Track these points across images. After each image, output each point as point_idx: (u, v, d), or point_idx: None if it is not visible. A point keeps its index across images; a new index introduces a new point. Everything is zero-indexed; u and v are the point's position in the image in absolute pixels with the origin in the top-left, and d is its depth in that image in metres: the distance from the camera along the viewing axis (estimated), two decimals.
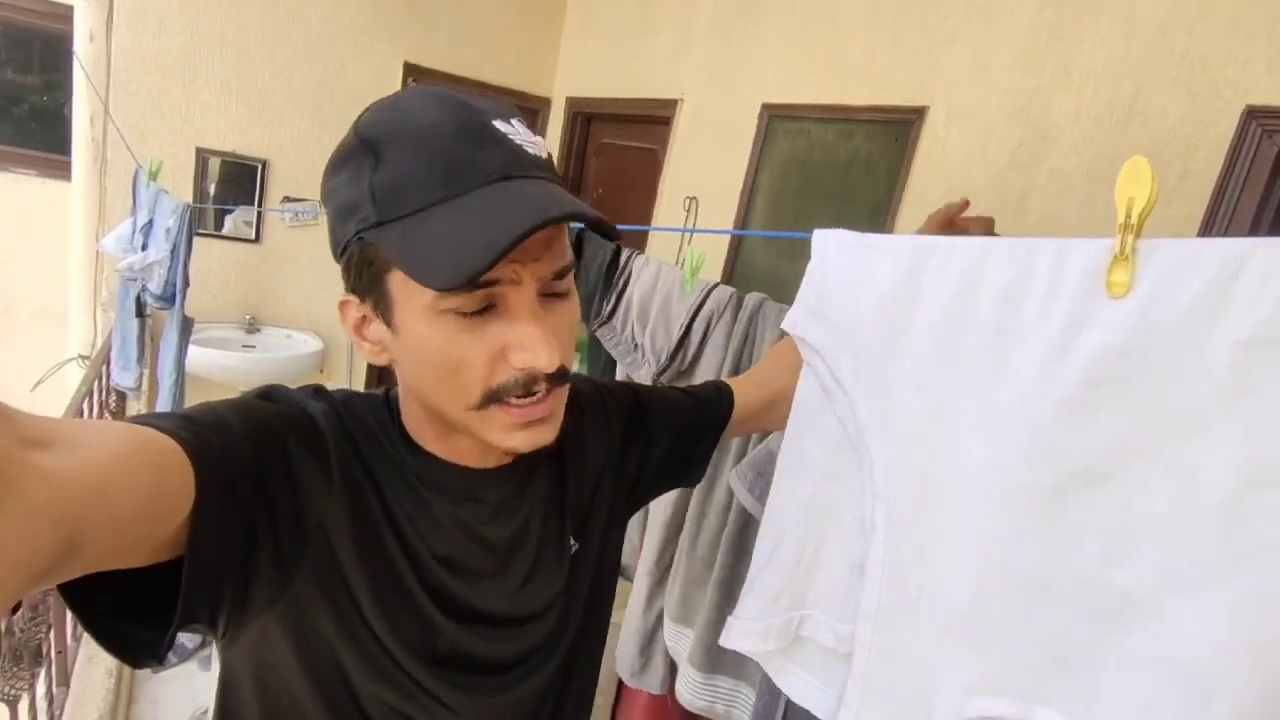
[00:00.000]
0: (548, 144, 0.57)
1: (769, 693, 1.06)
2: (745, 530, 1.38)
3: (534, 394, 0.54)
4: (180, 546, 0.44)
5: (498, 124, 0.52)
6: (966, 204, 0.85)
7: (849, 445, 0.64)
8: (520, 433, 0.55)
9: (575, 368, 0.64)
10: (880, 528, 0.60)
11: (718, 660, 1.44)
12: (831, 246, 0.66)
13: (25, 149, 3.62)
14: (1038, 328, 0.54)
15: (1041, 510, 0.53)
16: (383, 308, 0.54)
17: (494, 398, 0.53)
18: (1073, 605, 0.52)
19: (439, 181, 0.49)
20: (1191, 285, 0.48)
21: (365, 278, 0.54)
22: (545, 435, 0.56)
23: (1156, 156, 1.65)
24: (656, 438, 0.79)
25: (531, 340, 0.51)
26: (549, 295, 0.54)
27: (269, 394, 0.57)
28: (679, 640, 1.55)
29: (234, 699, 0.59)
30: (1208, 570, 0.47)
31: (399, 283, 0.52)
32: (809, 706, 0.65)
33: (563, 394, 0.57)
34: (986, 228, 0.83)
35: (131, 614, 0.45)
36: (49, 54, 3.56)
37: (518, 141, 0.52)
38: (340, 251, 0.55)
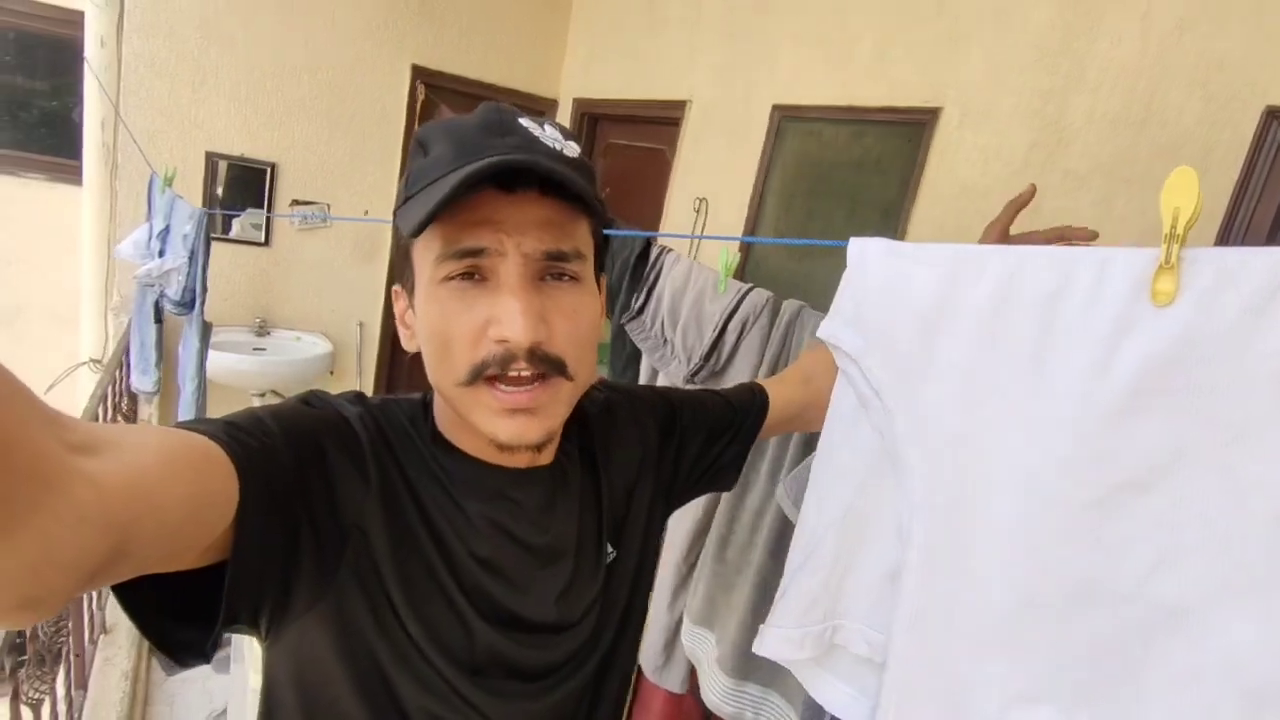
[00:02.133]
0: (579, 149, 0.58)
1: (811, 707, 1.06)
2: (783, 538, 1.36)
3: (515, 376, 0.53)
4: (224, 549, 0.45)
5: (524, 121, 0.55)
6: (1033, 191, 0.82)
7: (885, 454, 0.64)
8: (503, 420, 0.54)
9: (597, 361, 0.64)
10: (918, 537, 0.60)
11: (748, 667, 1.43)
12: (868, 255, 0.66)
13: (34, 153, 3.63)
14: (1080, 337, 0.54)
15: (1084, 520, 0.53)
16: (411, 289, 0.58)
17: (479, 374, 0.53)
18: (1117, 616, 0.52)
19: (452, 159, 0.52)
20: (1239, 294, 0.48)
21: (400, 257, 0.58)
22: (531, 430, 0.55)
23: (1172, 157, 1.65)
24: (689, 442, 0.79)
25: (507, 313, 0.52)
26: (551, 278, 0.55)
27: (309, 400, 0.58)
28: (697, 642, 1.55)
29: (276, 698, 0.60)
30: (1258, 581, 0.47)
31: (417, 257, 0.56)
32: (844, 716, 0.65)
33: (553, 389, 0.55)
34: (1055, 237, 0.80)
35: (179, 614, 0.46)
36: (57, 58, 3.57)
37: (536, 134, 0.54)
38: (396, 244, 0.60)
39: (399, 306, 0.62)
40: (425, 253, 0.55)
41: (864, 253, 0.67)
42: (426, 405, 0.64)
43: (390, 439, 0.59)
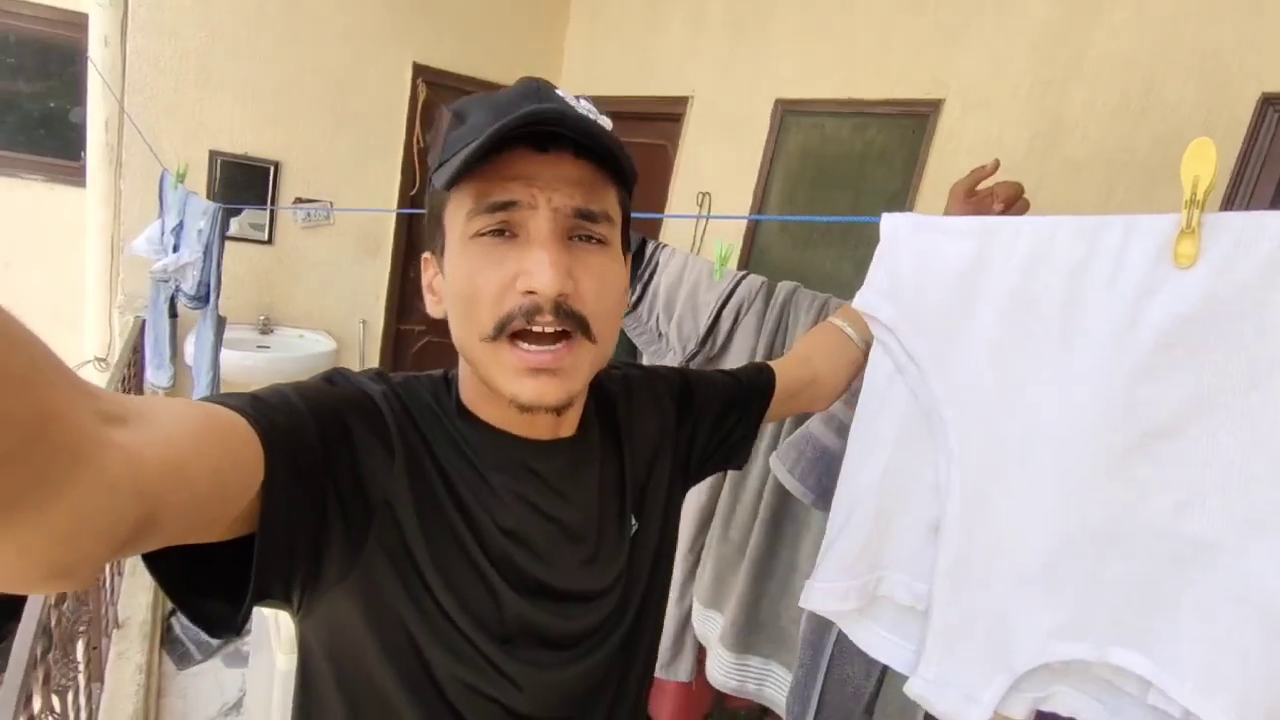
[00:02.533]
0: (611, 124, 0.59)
1: (806, 670, 1.10)
2: (781, 512, 1.41)
3: (540, 333, 0.54)
4: (253, 522, 0.45)
5: (560, 92, 0.57)
6: (997, 165, 0.83)
7: (921, 415, 0.68)
8: (526, 380, 0.54)
9: None
10: (956, 488, 0.64)
11: (750, 640, 1.47)
12: (899, 229, 0.70)
13: (33, 155, 3.63)
14: (1107, 298, 0.58)
15: (1115, 466, 0.57)
16: (441, 251, 0.58)
17: (503, 328, 0.54)
18: (1148, 554, 0.56)
19: (490, 121, 0.53)
20: (1256, 254, 0.52)
21: (432, 223, 0.59)
22: (552, 390, 0.55)
23: (1170, 144, 1.70)
24: (704, 417, 0.80)
25: (536, 263, 0.52)
26: (579, 239, 0.56)
27: (332, 378, 0.59)
28: (708, 624, 1.58)
29: (312, 669, 0.60)
30: (1276, 514, 0.51)
31: (449, 217, 0.57)
32: (888, 661, 0.69)
33: (579, 351, 0.56)
34: (1013, 193, 0.80)
35: (211, 587, 0.46)
36: (56, 60, 3.57)
37: (570, 103, 0.56)
38: (428, 211, 0.61)
39: (427, 274, 0.62)
40: (457, 210, 0.56)
41: (895, 227, 0.71)
42: (449, 380, 0.64)
43: (414, 414, 0.59)
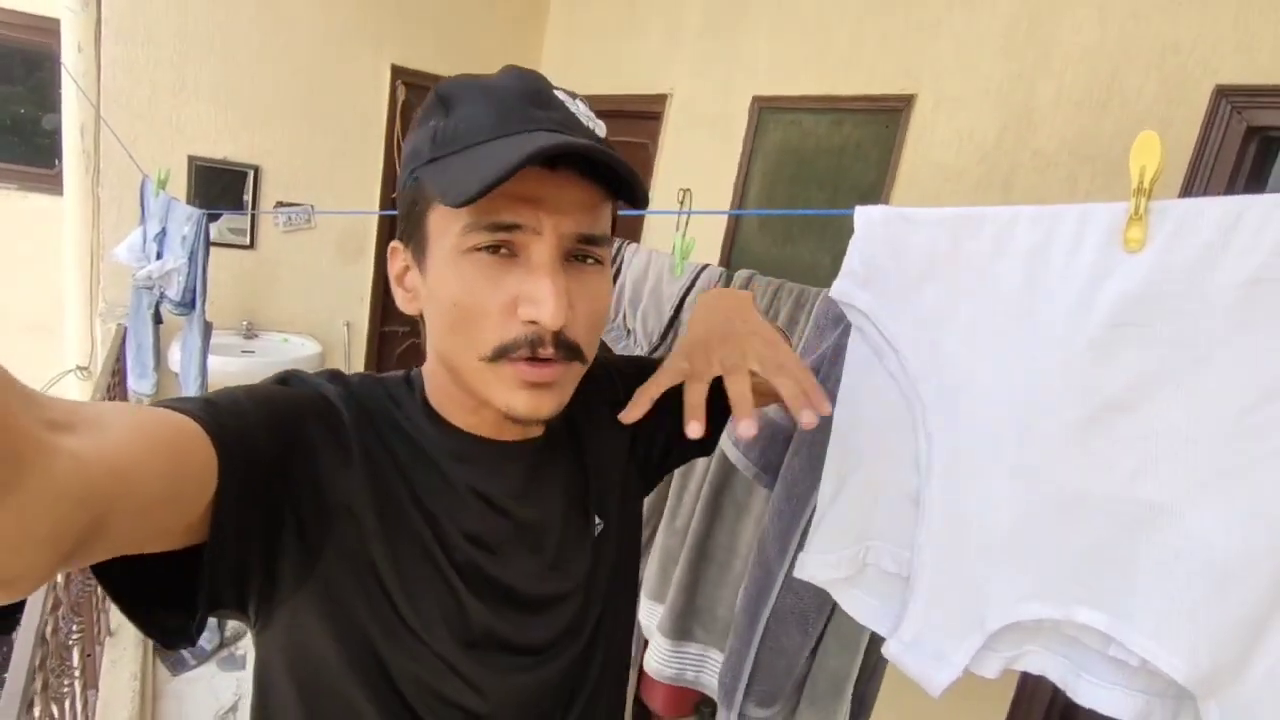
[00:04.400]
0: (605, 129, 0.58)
1: (741, 640, 1.09)
2: (722, 494, 1.42)
3: (541, 358, 0.53)
4: (205, 530, 0.44)
5: (560, 94, 0.55)
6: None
7: (901, 395, 0.72)
8: (522, 393, 0.54)
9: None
10: (934, 463, 0.68)
11: (687, 626, 1.46)
12: (873, 220, 0.74)
13: (5, 163, 3.59)
14: (1064, 281, 0.62)
15: (1075, 438, 0.62)
16: (419, 250, 0.55)
17: (505, 353, 0.52)
18: (1107, 519, 0.61)
19: (494, 124, 0.51)
20: (1197, 237, 0.57)
21: (411, 218, 0.56)
22: (546, 403, 0.55)
23: (1132, 135, 1.76)
24: (665, 408, 0.76)
25: (541, 293, 0.51)
26: (577, 260, 0.54)
27: (286, 379, 0.57)
28: (651, 616, 1.57)
29: (269, 685, 0.58)
30: (1223, 478, 0.55)
31: (436, 220, 0.54)
32: (871, 625, 0.73)
33: (573, 370, 0.56)
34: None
35: (164, 598, 0.45)
36: (23, 65, 3.53)
37: (572, 109, 0.55)
38: (399, 197, 0.58)
39: (395, 264, 0.59)
40: (449, 218, 0.52)
41: (869, 219, 0.75)
42: (410, 381, 0.62)
43: (373, 415, 0.57)
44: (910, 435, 0.70)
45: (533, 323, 0.52)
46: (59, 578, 1.70)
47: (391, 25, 3.38)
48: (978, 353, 0.67)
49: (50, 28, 3.05)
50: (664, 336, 1.60)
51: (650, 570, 1.58)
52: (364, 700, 0.55)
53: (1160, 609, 0.59)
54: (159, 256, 2.11)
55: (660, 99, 2.93)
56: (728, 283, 1.52)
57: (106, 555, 0.38)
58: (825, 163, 2.30)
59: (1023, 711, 1.61)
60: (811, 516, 0.80)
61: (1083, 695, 0.64)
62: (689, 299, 1.57)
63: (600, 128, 0.57)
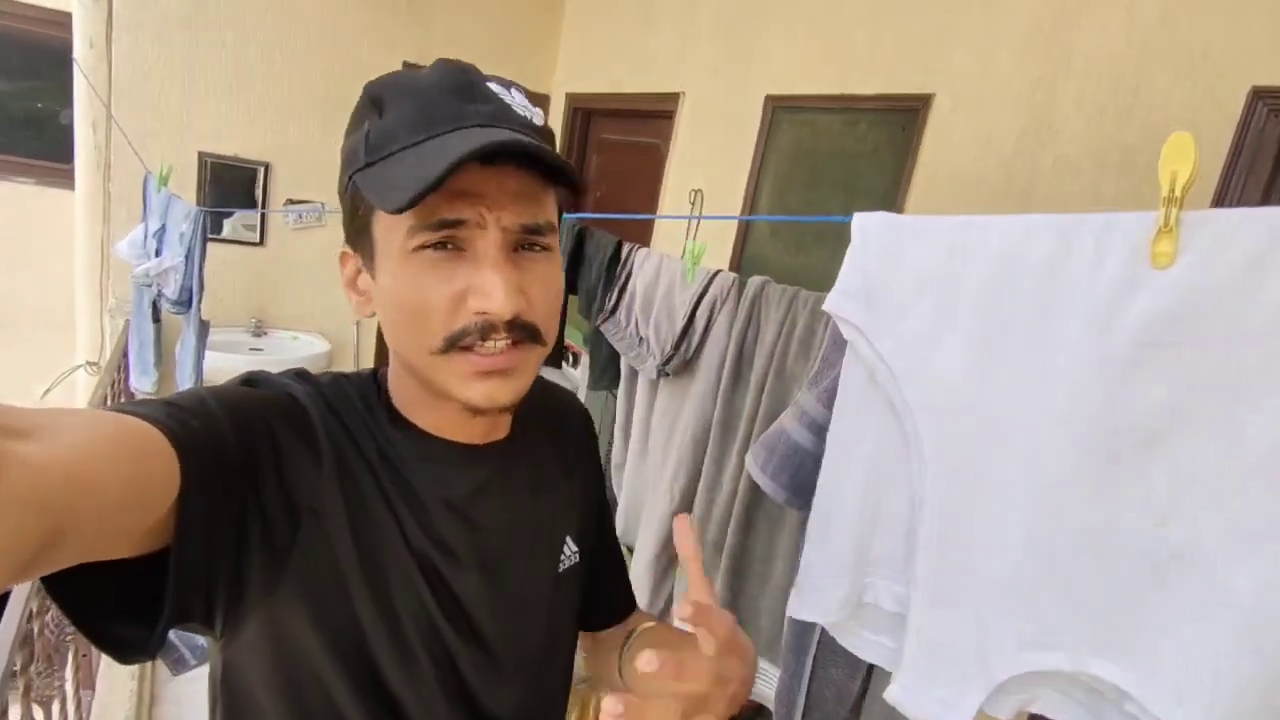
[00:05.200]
0: (543, 115, 0.57)
1: (791, 674, 1.07)
2: (755, 510, 1.39)
3: (493, 343, 0.53)
4: (167, 536, 0.43)
5: (493, 86, 0.54)
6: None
7: (895, 423, 0.66)
8: (478, 383, 0.54)
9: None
10: (930, 498, 0.62)
11: None
12: (870, 229, 0.68)
13: (22, 157, 3.61)
14: (1083, 297, 0.56)
15: (1089, 471, 0.56)
16: (368, 254, 0.56)
17: (455, 342, 0.53)
18: (1123, 562, 0.54)
19: (423, 124, 0.51)
20: (1236, 253, 0.50)
21: (355, 224, 0.56)
22: (503, 392, 0.55)
23: (1159, 142, 1.68)
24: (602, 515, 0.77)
25: (490, 285, 0.51)
26: (523, 249, 0.55)
27: (253, 379, 0.57)
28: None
29: (239, 692, 0.57)
30: (1258, 533, 0.49)
31: (381, 227, 0.54)
32: (876, 661, 0.68)
33: (529, 354, 0.56)
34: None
35: (122, 610, 0.44)
36: (46, 60, 3.55)
37: (507, 101, 0.54)
38: (341, 201, 0.58)
39: (348, 270, 0.59)
40: (394, 220, 0.52)
41: (866, 227, 0.70)
42: (378, 381, 0.63)
43: (342, 416, 0.58)
44: (905, 466, 0.64)
45: (484, 313, 0.52)
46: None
47: (404, 23, 3.35)
48: (982, 374, 0.60)
49: (65, 21, 3.05)
50: (677, 345, 1.55)
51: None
52: (348, 696, 0.55)
53: (1181, 667, 0.52)
54: (158, 253, 2.08)
55: (672, 98, 2.87)
56: (741, 289, 1.46)
57: (68, 563, 0.37)
58: (838, 165, 2.23)
59: None
60: None
61: None
62: (700, 307, 1.52)
63: (538, 115, 0.56)
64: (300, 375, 0.59)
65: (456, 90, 0.53)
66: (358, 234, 0.56)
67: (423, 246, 0.52)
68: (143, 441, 0.41)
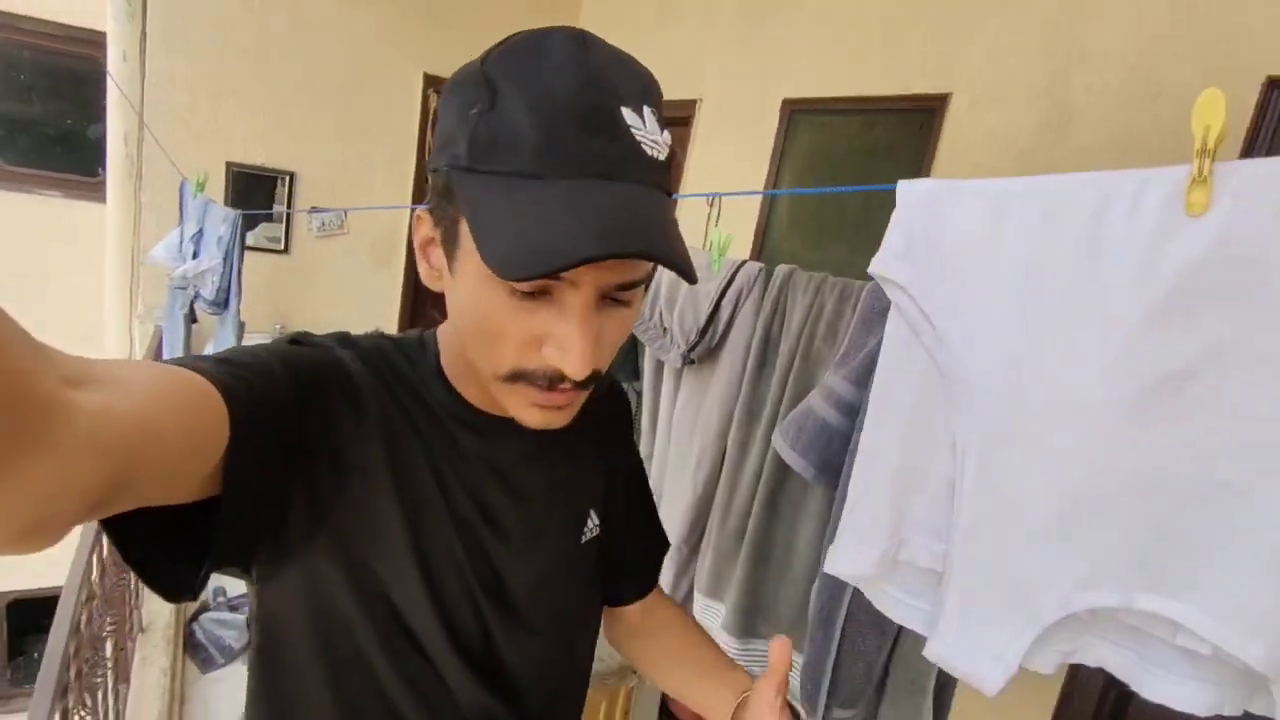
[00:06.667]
0: (670, 140, 0.53)
1: (818, 647, 1.07)
2: (778, 494, 1.41)
3: (560, 391, 0.53)
4: (219, 485, 0.45)
5: (625, 112, 0.49)
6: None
7: (937, 378, 0.69)
8: (535, 411, 0.54)
9: None
10: (973, 446, 0.66)
11: (753, 624, 1.47)
12: (916, 194, 0.72)
13: (51, 171, 3.71)
14: (1124, 247, 0.60)
15: (1136, 413, 0.59)
16: (450, 244, 0.53)
17: (519, 377, 0.53)
18: (1170, 499, 0.57)
19: (538, 154, 0.47)
20: (1267, 201, 0.54)
21: (443, 210, 0.53)
22: (558, 419, 0.56)
23: (1175, 133, 1.72)
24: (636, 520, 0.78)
25: (571, 343, 0.50)
26: (609, 299, 0.52)
27: (298, 339, 0.57)
28: (709, 614, 1.57)
29: (276, 633, 0.59)
30: None
31: (469, 232, 0.50)
32: (909, 624, 0.70)
33: (588, 390, 0.56)
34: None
35: (169, 550, 0.46)
36: (71, 80, 3.65)
37: (638, 137, 0.49)
38: (431, 170, 0.55)
39: (421, 234, 0.57)
40: None
41: (912, 192, 0.73)
42: (425, 343, 0.63)
43: (387, 379, 0.58)
44: (946, 418, 0.68)
45: (557, 369, 0.51)
46: (94, 572, 1.72)
47: (423, 34, 3.44)
48: (1029, 324, 0.64)
49: (97, 40, 3.15)
50: (702, 334, 1.57)
51: (704, 569, 1.57)
52: (376, 647, 0.57)
53: (1233, 594, 0.55)
54: (195, 256, 2.15)
55: (690, 104, 2.93)
56: (768, 278, 1.49)
57: (129, 506, 0.39)
58: (856, 165, 2.27)
59: (1072, 711, 1.55)
60: None
61: (1151, 690, 0.61)
62: (726, 297, 1.54)
63: (664, 144, 0.51)
64: (343, 339, 0.59)
65: (586, 117, 0.48)
66: (442, 217, 0.53)
67: (513, 290, 0.50)
68: (198, 393, 0.43)
